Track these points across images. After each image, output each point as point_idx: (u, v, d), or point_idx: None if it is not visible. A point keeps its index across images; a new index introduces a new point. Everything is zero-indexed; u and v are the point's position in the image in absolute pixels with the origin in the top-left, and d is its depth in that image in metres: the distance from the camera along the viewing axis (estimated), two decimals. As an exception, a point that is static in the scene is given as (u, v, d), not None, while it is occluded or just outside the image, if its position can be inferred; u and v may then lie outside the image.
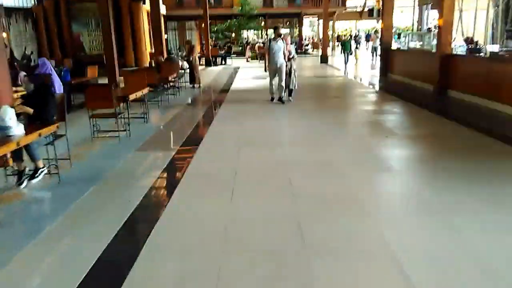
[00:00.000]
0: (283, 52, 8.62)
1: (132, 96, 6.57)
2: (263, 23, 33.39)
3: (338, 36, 37.21)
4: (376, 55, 20.80)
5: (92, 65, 17.77)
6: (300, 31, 35.18)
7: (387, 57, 13.46)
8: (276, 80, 8.80)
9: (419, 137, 6.09)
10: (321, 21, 40.87)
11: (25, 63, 16.93)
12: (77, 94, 9.90)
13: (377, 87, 12.11)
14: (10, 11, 16.70)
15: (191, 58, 12.41)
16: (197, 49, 23.25)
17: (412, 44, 21.57)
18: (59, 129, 4.56)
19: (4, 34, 15.73)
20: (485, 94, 7.71)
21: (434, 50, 10.91)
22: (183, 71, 12.31)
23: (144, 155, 5.48)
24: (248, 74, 16.56)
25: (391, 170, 4.61)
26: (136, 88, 7.16)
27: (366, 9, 38.73)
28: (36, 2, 18.10)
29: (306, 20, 36.90)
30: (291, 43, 9.41)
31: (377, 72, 14.40)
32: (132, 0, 18.42)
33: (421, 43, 20.76)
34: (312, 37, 38.93)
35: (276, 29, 8.82)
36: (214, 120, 7.64)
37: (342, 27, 40.93)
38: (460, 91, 8.66)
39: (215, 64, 22.03)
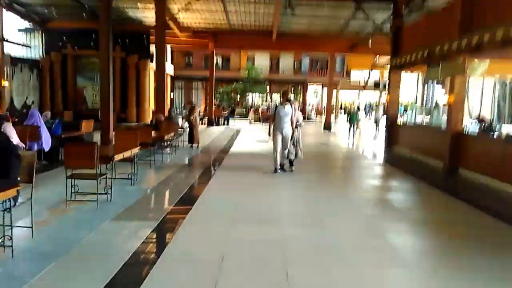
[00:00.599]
0: (291, 118, 8.03)
1: (118, 156, 6.00)
2: (268, 88, 34.03)
3: (341, 105, 37.70)
4: (378, 127, 20.64)
5: (91, 118, 17.70)
6: (304, 97, 35.70)
7: (393, 130, 13.12)
8: (280, 147, 8.13)
9: (432, 222, 5.42)
10: (325, 88, 41.97)
11: (25, 113, 16.76)
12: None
13: (382, 160, 11.60)
14: (16, 61, 16.82)
15: (191, 118, 12.08)
16: (202, 108, 23.34)
17: (419, 119, 21.48)
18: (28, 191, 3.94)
19: (6, 83, 15.71)
20: (500, 176, 7.13)
21: (443, 126, 10.53)
22: (182, 130, 11.91)
23: (120, 226, 4.76)
24: (250, 137, 16.20)
25: (405, 265, 3.89)
26: (126, 147, 6.63)
27: (370, 81, 39.78)
28: (43, 55, 18.33)
29: (310, 87, 37.59)
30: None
31: (379, 143, 14.00)
32: (140, 59, 18.68)
33: (427, 118, 20.67)
34: (317, 105, 39.42)
35: (284, 94, 8.39)
36: (208, 187, 6.98)
37: (346, 95, 41.56)
38: (472, 170, 8.09)
39: (218, 124, 21.91)
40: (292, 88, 36.81)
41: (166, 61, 24.43)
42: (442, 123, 15.02)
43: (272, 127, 8.18)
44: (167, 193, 6.68)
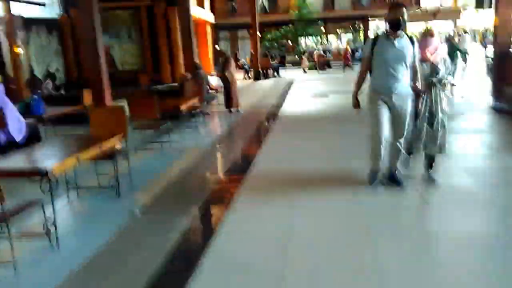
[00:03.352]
0: (415, 65, 3.74)
1: (70, 162, 3.31)
2: (323, 28, 29.63)
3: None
4: (466, 61, 16.22)
5: (124, 85, 15.33)
6: (366, 36, 30.90)
7: (506, 64, 9.22)
8: (386, 130, 3.82)
9: None
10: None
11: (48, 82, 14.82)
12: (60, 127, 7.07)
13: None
14: (30, 23, 14.61)
15: (226, 74, 9.11)
16: (247, 59, 20.17)
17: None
18: None
19: (20, 50, 13.64)
20: None
21: None
22: (213, 91, 9.03)
23: None
24: (305, 90, 12.98)
25: None
26: (105, 133, 4.00)
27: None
28: (62, 12, 15.95)
29: (372, 23, 32.52)
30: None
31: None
32: (168, 5, 15.53)
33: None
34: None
35: (396, 9, 3.62)
36: (238, 203, 4.07)
37: (416, 28, 35.81)
38: None
39: (266, 76, 18.70)
40: (350, 26, 32.05)
41: (202, 6, 21.30)
42: None
43: (363, 87, 3.96)
44: (170, 214, 3.93)
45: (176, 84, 9.63)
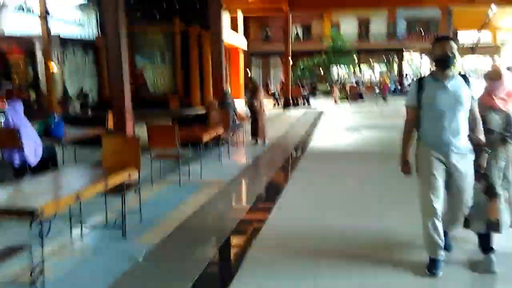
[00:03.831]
0: (473, 111, 2.95)
1: (67, 201, 2.94)
2: (356, 59, 29.25)
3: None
4: None
5: (156, 107, 15.29)
6: (400, 67, 30.27)
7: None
8: (442, 205, 2.95)
9: None
10: (424, 56, 35.73)
11: (82, 102, 15.00)
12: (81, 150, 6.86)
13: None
14: (67, 42, 14.96)
15: (255, 103, 8.76)
16: (278, 87, 19.94)
17: None
18: None
19: (55, 68, 13.88)
20: None
21: None
22: (238, 122, 8.66)
23: None
24: (336, 122, 12.47)
25: None
26: (116, 164, 3.65)
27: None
28: (99, 34, 16.28)
29: (406, 55, 31.86)
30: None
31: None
32: (202, 27, 15.51)
33: None
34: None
35: (443, 43, 2.90)
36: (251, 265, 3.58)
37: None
38: None
39: (296, 104, 18.33)
40: (384, 58, 31.53)
41: (237, 32, 21.40)
42: None
43: (411, 143, 3.14)
44: (181, 262, 3.49)
45: (203, 111, 9.35)
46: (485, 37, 33.87)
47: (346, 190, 5.29)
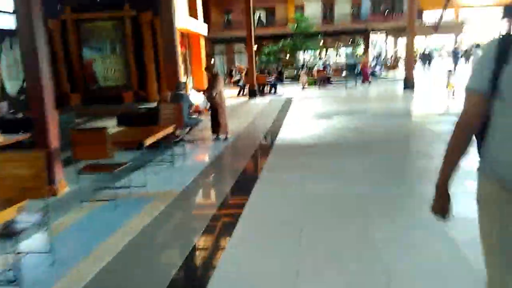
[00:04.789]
0: None
1: None
2: (322, 42, 28.43)
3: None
4: None
5: (105, 101, 13.93)
6: (367, 50, 29.77)
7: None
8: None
9: None
10: (390, 39, 35.34)
11: (23, 100, 13.39)
12: None
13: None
14: (2, 35, 13.23)
15: (213, 94, 7.69)
16: (243, 75, 18.79)
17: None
18: None
19: (-13, 64, 12.22)
20: None
21: None
22: (197, 115, 7.59)
23: None
24: (305, 109, 11.59)
25: None
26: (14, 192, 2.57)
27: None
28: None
29: (373, 37, 31.35)
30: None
31: None
32: (155, 14, 14.11)
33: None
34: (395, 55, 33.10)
35: None
36: None
37: (418, 42, 34.74)
38: None
39: (263, 93, 17.32)
40: (350, 41, 30.89)
41: (196, 18, 20.01)
42: None
43: (462, 158, 1.61)
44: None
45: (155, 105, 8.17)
46: (447, 15, 33.89)
47: (321, 196, 4.38)
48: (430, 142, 6.79)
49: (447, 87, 12.26)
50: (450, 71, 12.85)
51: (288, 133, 8.28)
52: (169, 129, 5.61)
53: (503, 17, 17.03)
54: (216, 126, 7.94)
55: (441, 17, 32.10)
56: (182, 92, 7.23)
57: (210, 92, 7.62)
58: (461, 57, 24.10)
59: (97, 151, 4.06)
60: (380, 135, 7.58)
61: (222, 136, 7.90)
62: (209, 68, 8.01)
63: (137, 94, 14.58)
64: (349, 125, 8.74)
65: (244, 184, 5.01)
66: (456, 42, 36.21)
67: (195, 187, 5.09)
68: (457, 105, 10.56)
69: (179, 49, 11.09)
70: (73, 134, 4.18)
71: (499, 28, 38.50)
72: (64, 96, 14.21)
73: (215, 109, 7.89)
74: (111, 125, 6.89)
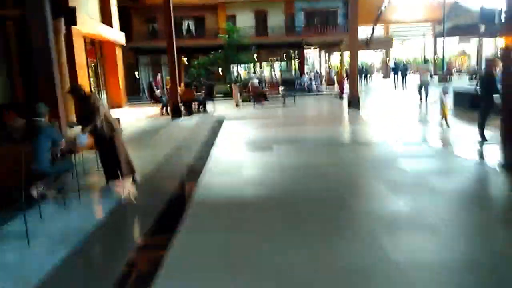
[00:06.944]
0: None
1: None
2: (256, 55, 26.61)
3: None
4: (427, 96, 14.26)
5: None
6: (302, 64, 28.53)
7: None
8: None
9: None
10: (322, 52, 34.63)
11: None
12: None
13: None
14: None
15: (98, 124, 5.10)
16: (165, 89, 16.06)
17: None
18: None
19: None
20: None
21: None
22: (68, 155, 4.99)
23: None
24: (239, 135, 9.34)
25: None
26: None
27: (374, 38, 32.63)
28: None
29: (307, 51, 30.32)
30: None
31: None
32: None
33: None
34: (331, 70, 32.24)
35: None
36: None
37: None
38: None
39: (190, 112, 14.76)
40: (285, 54, 29.54)
41: (110, 25, 17.08)
42: None
43: None
44: None
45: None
46: (378, 31, 34.09)
47: None
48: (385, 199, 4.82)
49: (441, 114, 9.42)
50: (445, 93, 9.39)
51: (215, 175, 5.92)
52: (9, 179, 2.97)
53: (480, 22, 16.37)
54: (109, 168, 5.38)
55: (373, 32, 32.14)
56: (42, 121, 4.57)
57: (92, 123, 5.01)
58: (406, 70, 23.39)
59: None
60: (331, 184, 5.53)
61: (119, 185, 5.32)
62: (75, 89, 5.33)
63: (25, 113, 11.35)
64: (293, 161, 6.62)
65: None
66: (389, 57, 36.70)
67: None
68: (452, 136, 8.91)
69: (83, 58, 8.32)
70: None
71: (424, 44, 40.19)
72: None
73: (105, 145, 5.32)
74: None
